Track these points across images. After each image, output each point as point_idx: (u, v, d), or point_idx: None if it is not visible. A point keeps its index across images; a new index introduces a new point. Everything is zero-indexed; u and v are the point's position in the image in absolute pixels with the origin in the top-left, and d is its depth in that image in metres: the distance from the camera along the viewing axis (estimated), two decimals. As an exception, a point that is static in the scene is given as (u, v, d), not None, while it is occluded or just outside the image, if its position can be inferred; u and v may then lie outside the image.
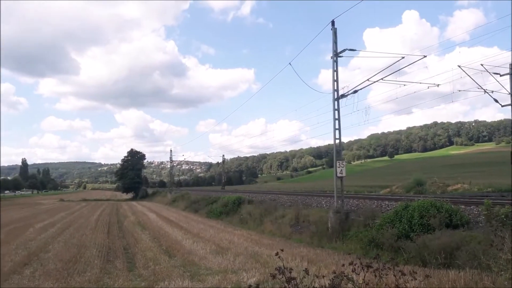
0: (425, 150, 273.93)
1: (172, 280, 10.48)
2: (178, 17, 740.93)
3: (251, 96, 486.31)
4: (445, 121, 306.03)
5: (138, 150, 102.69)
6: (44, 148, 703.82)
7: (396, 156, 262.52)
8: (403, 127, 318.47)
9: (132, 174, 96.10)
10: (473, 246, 10.50)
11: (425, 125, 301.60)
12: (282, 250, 5.14)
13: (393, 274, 4.89)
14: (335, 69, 19.52)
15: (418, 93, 22.75)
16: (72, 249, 16.70)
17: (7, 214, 41.18)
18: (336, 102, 19.65)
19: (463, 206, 15.60)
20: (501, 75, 22.27)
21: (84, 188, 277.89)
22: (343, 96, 19.84)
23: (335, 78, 19.57)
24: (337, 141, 19.75)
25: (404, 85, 21.20)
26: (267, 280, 8.92)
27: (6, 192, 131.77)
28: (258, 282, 8.93)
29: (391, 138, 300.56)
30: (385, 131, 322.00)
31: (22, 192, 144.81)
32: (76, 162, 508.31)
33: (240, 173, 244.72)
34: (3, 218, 33.89)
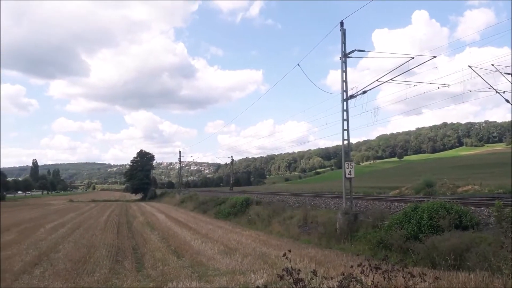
0: (434, 151, 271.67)
1: (180, 280, 10.50)
2: (187, 19, 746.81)
3: (259, 97, 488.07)
4: (454, 122, 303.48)
5: (147, 151, 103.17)
6: (55, 149, 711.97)
7: (405, 157, 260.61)
8: (412, 128, 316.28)
9: (141, 175, 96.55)
10: (483, 248, 10.38)
11: (435, 126, 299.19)
12: (289, 251, 5.14)
13: (402, 275, 4.85)
14: (344, 69, 19.46)
15: (428, 94, 22.56)
16: (82, 249, 16.82)
17: (18, 214, 41.67)
18: (345, 103, 19.58)
19: (473, 208, 15.45)
20: (512, 75, 21.97)
21: (94, 189, 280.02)
22: (352, 96, 19.76)
23: (344, 79, 19.51)
24: (346, 142, 19.67)
25: (414, 85, 21.04)
26: (275, 281, 8.90)
27: (19, 192, 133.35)
28: (266, 283, 8.91)
29: (400, 139, 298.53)
30: (394, 132, 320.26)
31: (32, 193, 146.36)
32: (86, 163, 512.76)
33: (248, 174, 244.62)
34: (14, 219, 34.31)
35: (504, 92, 22.13)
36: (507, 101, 22.24)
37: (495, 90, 21.93)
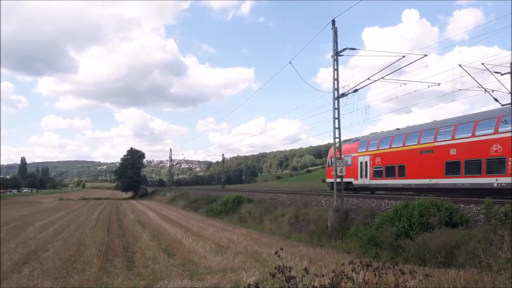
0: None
1: (171, 279, 10.46)
2: (178, 17, 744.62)
3: (251, 95, 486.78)
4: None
5: (137, 149, 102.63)
6: (44, 146, 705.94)
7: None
8: (402, 126, 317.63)
9: (132, 173, 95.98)
10: (473, 245, 10.47)
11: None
12: (281, 249, 5.12)
13: (392, 273, 4.87)
14: (335, 68, 19.49)
15: (418, 92, 22.78)
16: (72, 248, 16.68)
17: (7, 213, 41.16)
18: (336, 101, 19.63)
19: (462, 205, 15.60)
20: (501, 74, 22.25)
21: (83, 187, 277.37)
22: (343, 95, 19.81)
23: (336, 77, 19.54)
24: (337, 140, 19.73)
25: (405, 84, 21.20)
26: (266, 279, 8.90)
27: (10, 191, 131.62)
28: (258, 281, 8.91)
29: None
30: (384, 130, 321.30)
31: (17, 191, 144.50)
32: (76, 161, 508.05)
33: (240, 172, 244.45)
34: (3, 217, 33.87)
35: (493, 91, 22.41)
36: (496, 100, 22.50)
37: (485, 89, 22.18)
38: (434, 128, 24.01)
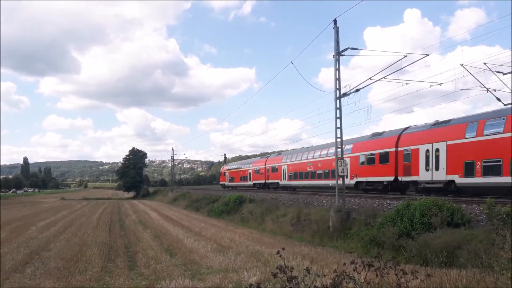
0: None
1: (173, 279, 10.47)
2: (179, 17, 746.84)
3: (252, 95, 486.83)
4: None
5: (139, 149, 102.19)
6: (46, 146, 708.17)
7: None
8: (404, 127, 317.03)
9: (134, 173, 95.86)
10: (475, 245, 10.45)
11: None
12: (283, 249, 5.12)
13: (394, 273, 4.87)
14: (337, 68, 19.48)
15: (419, 92, 22.88)
16: (74, 247, 16.72)
17: (9, 212, 41.25)
18: (338, 101, 19.62)
19: (464, 205, 15.57)
20: (503, 74, 22.16)
21: (86, 187, 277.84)
22: (345, 94, 19.80)
23: (337, 77, 19.53)
24: (339, 139, 19.72)
25: (407, 83, 21.20)
26: (268, 279, 8.91)
27: (13, 191, 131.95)
28: (259, 281, 8.93)
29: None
30: (386, 130, 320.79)
31: (28, 190, 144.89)
32: (78, 161, 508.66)
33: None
34: (5, 217, 33.95)
35: (495, 90, 22.34)
36: (498, 99, 22.43)
37: (487, 88, 22.12)
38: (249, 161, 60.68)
